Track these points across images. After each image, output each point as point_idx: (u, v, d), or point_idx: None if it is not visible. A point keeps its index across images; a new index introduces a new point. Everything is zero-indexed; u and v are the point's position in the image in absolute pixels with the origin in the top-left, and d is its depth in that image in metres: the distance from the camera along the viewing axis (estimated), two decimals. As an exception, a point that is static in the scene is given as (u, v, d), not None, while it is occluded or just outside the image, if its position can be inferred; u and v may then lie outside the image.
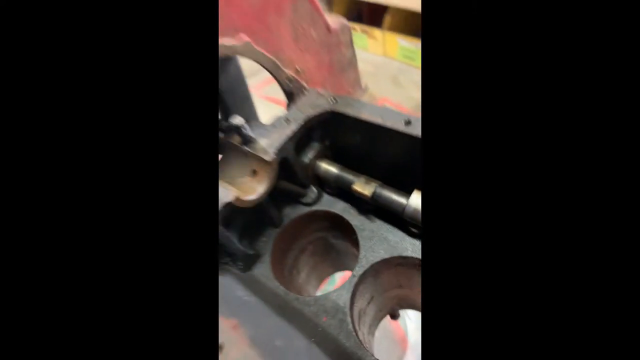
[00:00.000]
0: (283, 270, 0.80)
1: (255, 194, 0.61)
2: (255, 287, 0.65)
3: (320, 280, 1.05)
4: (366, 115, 0.62)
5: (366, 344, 0.74)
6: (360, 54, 0.79)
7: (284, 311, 0.60)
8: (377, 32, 2.97)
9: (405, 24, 2.90)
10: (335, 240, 0.86)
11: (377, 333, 1.12)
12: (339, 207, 0.74)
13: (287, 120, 0.65)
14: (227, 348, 0.41)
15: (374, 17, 3.02)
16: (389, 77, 2.77)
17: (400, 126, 0.58)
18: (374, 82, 2.71)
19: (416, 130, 0.57)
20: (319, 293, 1.03)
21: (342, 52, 0.75)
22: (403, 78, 2.73)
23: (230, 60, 0.73)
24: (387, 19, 2.88)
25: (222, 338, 0.42)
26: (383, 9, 2.83)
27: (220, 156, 0.67)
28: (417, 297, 0.82)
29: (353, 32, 2.81)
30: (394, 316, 1.11)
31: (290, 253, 0.82)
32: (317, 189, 0.76)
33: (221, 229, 0.59)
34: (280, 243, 0.75)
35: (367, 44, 3.10)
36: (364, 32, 3.07)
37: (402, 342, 1.31)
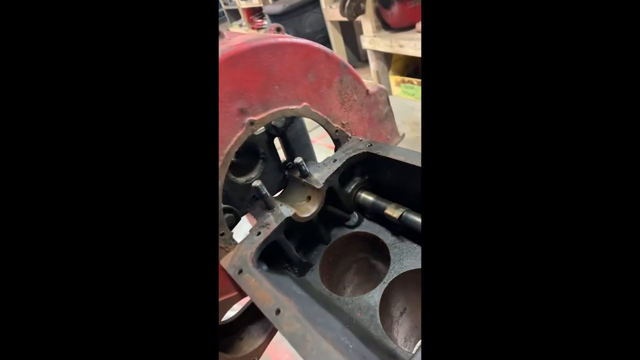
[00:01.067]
0: (331, 281, 0.97)
1: (308, 213, 0.82)
2: (306, 288, 0.84)
3: (365, 300, 1.18)
4: (392, 155, 0.81)
5: (398, 345, 0.85)
6: (417, 104, 0.98)
7: (326, 305, 0.77)
8: (432, 84, 3.17)
9: (460, 75, 3.06)
10: (375, 261, 1.01)
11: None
12: (376, 229, 0.91)
13: (334, 160, 0.87)
14: (283, 310, 0.60)
15: (429, 71, 3.25)
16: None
17: (418, 163, 0.76)
18: (429, 129, 2.86)
19: (430, 165, 0.74)
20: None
21: (379, 109, 0.97)
22: (459, 125, 2.83)
23: (296, 118, 1.00)
24: (442, 72, 3.09)
25: (279, 305, 0.61)
26: (438, 63, 3.06)
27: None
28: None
29: (411, 85, 3.02)
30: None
31: (337, 269, 1.00)
32: (358, 214, 0.95)
33: (283, 238, 0.81)
34: (328, 257, 0.94)
35: (423, 95, 3.31)
36: (420, 84, 3.30)
37: None
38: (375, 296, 0.77)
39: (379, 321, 0.72)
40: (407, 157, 0.79)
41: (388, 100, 0.99)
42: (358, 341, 0.66)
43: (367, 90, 0.92)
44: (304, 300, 0.75)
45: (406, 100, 3.38)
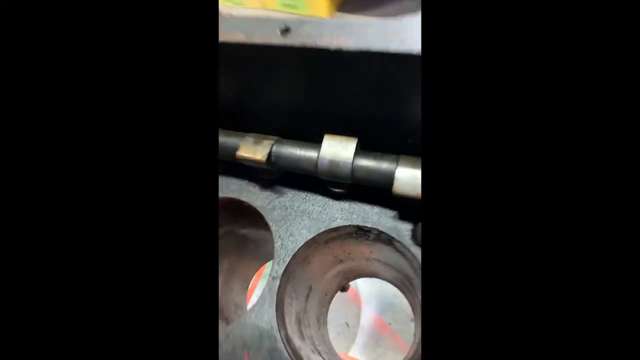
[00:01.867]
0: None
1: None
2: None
3: (247, 281, 0.85)
4: (224, 36, 0.39)
5: (315, 343, 0.57)
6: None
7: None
8: (249, -19, 2.61)
9: (278, -33, 2.60)
10: (245, 230, 0.65)
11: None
12: (234, 188, 0.52)
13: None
14: None
15: (241, -36, 2.64)
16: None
17: (275, 39, 0.37)
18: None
19: (299, 39, 0.37)
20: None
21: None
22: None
23: None
24: (256, -36, 2.54)
25: None
26: (248, -48, 2.47)
27: None
28: (363, 265, 0.67)
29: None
30: (344, 289, 0.99)
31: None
32: (193, 170, 0.52)
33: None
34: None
35: (241, -3, 2.72)
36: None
37: (355, 298, 1.22)
38: (265, 310, 0.42)
39: (286, 354, 0.39)
40: (250, 32, 0.38)
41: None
42: None
43: None
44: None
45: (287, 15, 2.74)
